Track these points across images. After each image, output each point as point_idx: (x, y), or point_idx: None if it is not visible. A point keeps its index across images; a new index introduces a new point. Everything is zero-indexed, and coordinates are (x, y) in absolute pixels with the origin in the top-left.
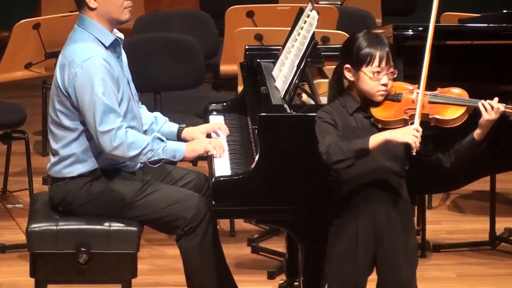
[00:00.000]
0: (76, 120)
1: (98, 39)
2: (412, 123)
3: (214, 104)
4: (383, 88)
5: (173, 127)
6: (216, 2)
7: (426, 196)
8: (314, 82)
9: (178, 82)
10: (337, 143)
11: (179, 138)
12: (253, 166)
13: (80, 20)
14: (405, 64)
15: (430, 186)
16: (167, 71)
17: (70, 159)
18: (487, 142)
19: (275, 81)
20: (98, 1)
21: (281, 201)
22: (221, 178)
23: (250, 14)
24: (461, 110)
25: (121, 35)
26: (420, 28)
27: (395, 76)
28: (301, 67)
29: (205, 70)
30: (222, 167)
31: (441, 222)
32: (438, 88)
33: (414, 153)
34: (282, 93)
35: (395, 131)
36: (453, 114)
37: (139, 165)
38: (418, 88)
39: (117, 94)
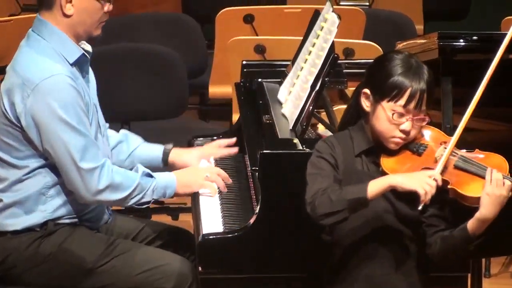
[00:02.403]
0: (28, 157)
1: (61, 54)
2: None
3: (201, 138)
4: (401, 135)
5: (156, 150)
6: (203, 3)
7: (483, 260)
8: (334, 108)
9: (153, 109)
10: (326, 190)
11: (165, 163)
12: (252, 220)
13: (37, 25)
14: (455, 85)
15: (488, 247)
16: (138, 94)
17: (14, 206)
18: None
19: (282, 107)
20: (76, 7)
21: (290, 267)
22: (211, 237)
23: (248, 19)
24: None
25: (89, 48)
26: (475, 38)
27: (424, 124)
28: (317, 89)
29: (188, 93)
30: (212, 222)
31: None
32: (476, 150)
33: (420, 208)
34: (292, 124)
35: (404, 175)
36: (476, 191)
37: (105, 217)
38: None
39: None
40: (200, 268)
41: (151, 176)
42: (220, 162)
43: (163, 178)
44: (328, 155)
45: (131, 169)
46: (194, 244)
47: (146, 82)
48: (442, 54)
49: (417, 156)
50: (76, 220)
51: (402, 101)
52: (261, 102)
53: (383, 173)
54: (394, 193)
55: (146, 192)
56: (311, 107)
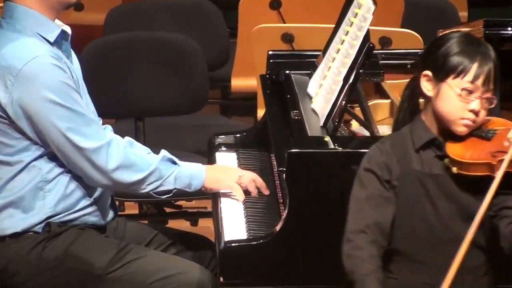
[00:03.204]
0: (20, 151)
1: (39, 34)
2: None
3: (223, 136)
4: (470, 116)
5: None
6: None
7: None
8: (369, 103)
9: (169, 103)
10: (364, 248)
11: None
12: (278, 226)
13: (6, 11)
14: (502, 78)
15: None
16: (154, 87)
17: (10, 207)
18: None
19: (312, 101)
20: None
21: (320, 278)
22: (233, 244)
23: (275, 5)
24: None
25: (67, 28)
26: None
27: (493, 106)
28: (350, 81)
29: (209, 87)
30: (235, 228)
31: None
32: None
33: None
34: (322, 120)
35: None
36: None
37: (110, 212)
38: None
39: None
40: (221, 278)
41: (175, 163)
42: (244, 162)
43: (189, 167)
44: (377, 166)
45: None
46: (214, 252)
47: (162, 74)
48: (488, 44)
49: (486, 141)
50: (78, 214)
51: (469, 77)
52: (288, 96)
53: (450, 163)
54: (460, 193)
55: (166, 179)
56: (344, 102)
